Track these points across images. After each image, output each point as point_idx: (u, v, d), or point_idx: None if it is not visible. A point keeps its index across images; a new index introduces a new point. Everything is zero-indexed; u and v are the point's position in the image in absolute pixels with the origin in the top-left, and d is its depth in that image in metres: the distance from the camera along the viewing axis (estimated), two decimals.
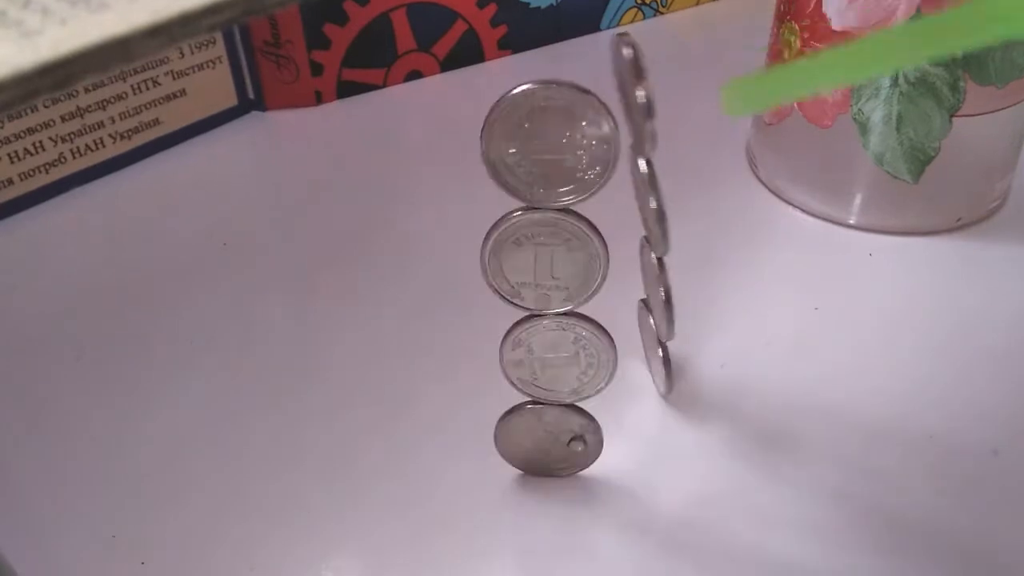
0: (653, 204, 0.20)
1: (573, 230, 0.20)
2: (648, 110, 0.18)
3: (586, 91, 0.18)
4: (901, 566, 0.22)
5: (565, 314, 0.21)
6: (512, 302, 0.21)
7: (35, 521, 0.23)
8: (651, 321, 0.25)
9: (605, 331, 0.21)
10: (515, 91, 0.18)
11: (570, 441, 0.23)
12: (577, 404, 0.23)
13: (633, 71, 0.18)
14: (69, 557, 0.23)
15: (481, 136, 0.19)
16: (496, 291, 0.21)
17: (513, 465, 0.24)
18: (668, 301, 0.22)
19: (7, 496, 0.24)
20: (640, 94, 0.18)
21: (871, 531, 0.23)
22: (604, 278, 0.20)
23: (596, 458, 0.24)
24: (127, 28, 0.09)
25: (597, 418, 0.23)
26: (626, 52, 0.18)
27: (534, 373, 0.22)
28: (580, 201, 0.19)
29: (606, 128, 0.18)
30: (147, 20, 0.09)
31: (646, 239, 0.23)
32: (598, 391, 0.22)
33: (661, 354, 0.24)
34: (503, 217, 0.20)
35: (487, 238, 0.20)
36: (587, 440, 0.23)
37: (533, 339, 0.21)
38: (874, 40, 0.14)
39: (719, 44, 0.41)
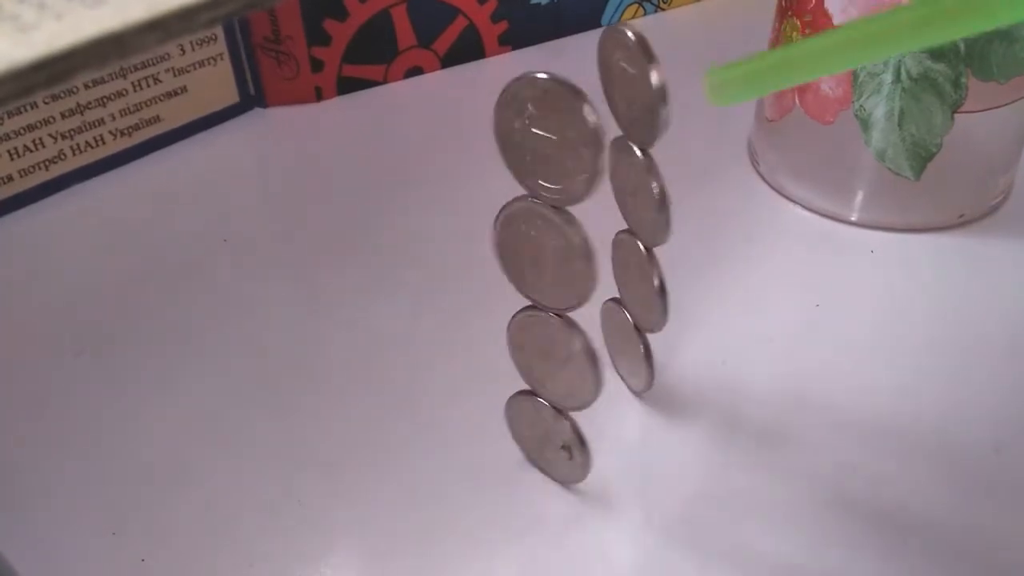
0: (656, 190, 0.20)
1: (566, 233, 0.19)
2: (662, 95, 0.18)
3: (579, 93, 0.17)
4: (902, 564, 0.22)
5: (559, 315, 0.20)
6: (519, 290, 0.20)
7: (35, 518, 0.23)
8: (627, 317, 0.24)
9: (592, 352, 0.20)
10: (527, 75, 0.18)
11: (562, 446, 0.23)
12: (570, 413, 0.22)
13: (645, 55, 0.18)
14: (69, 554, 0.23)
15: (494, 109, 0.18)
16: (504, 272, 0.20)
17: (518, 445, 0.24)
18: (663, 290, 0.22)
19: (7, 493, 0.24)
20: (655, 77, 0.18)
21: (873, 529, 0.23)
22: (587, 295, 0.19)
23: (582, 479, 0.23)
24: (124, 23, 0.09)
25: (599, 415, 0.22)
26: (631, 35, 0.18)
27: (531, 363, 0.22)
28: (570, 203, 0.19)
29: (593, 133, 0.17)
30: (144, 15, 0.09)
31: (629, 232, 0.23)
32: (583, 406, 0.21)
33: (643, 349, 0.24)
34: (513, 199, 0.19)
35: (497, 216, 0.20)
36: (573, 454, 0.22)
37: (532, 330, 0.21)
38: (860, 27, 0.14)
39: (720, 40, 0.41)
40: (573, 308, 0.20)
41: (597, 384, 0.21)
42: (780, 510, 0.23)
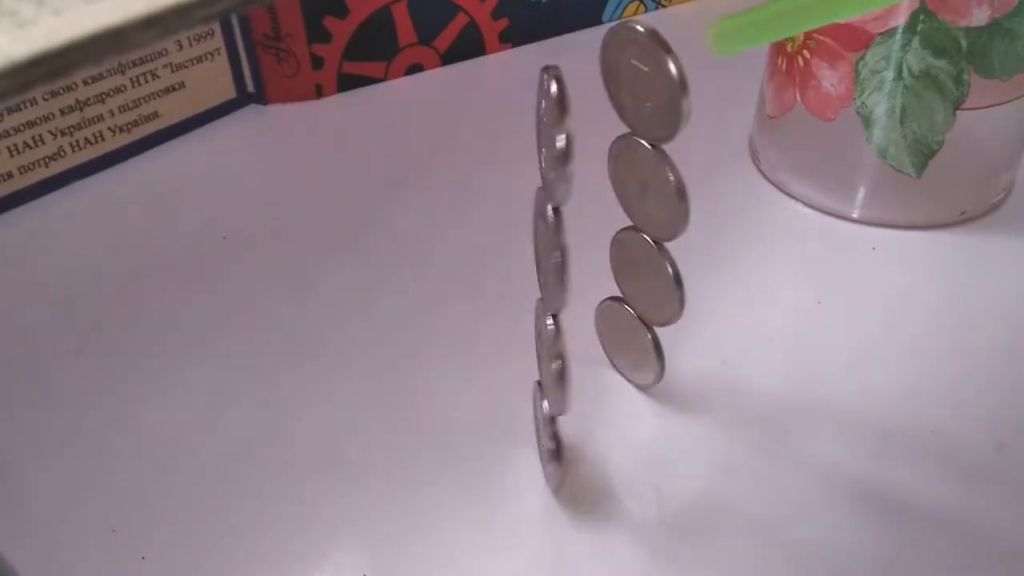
0: (673, 181, 0.20)
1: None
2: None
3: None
4: (906, 561, 0.22)
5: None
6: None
7: (35, 516, 0.23)
8: (630, 313, 0.24)
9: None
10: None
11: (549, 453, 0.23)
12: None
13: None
14: (69, 552, 0.22)
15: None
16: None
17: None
18: (678, 281, 0.23)
19: (7, 491, 0.24)
20: (674, 68, 0.18)
21: (875, 526, 0.23)
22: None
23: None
24: (122, 18, 0.09)
25: (598, 414, 0.23)
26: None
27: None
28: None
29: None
30: (143, 10, 0.09)
31: (633, 229, 0.23)
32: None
33: (652, 341, 0.24)
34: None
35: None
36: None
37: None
38: None
39: None
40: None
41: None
42: (781, 508, 0.23)
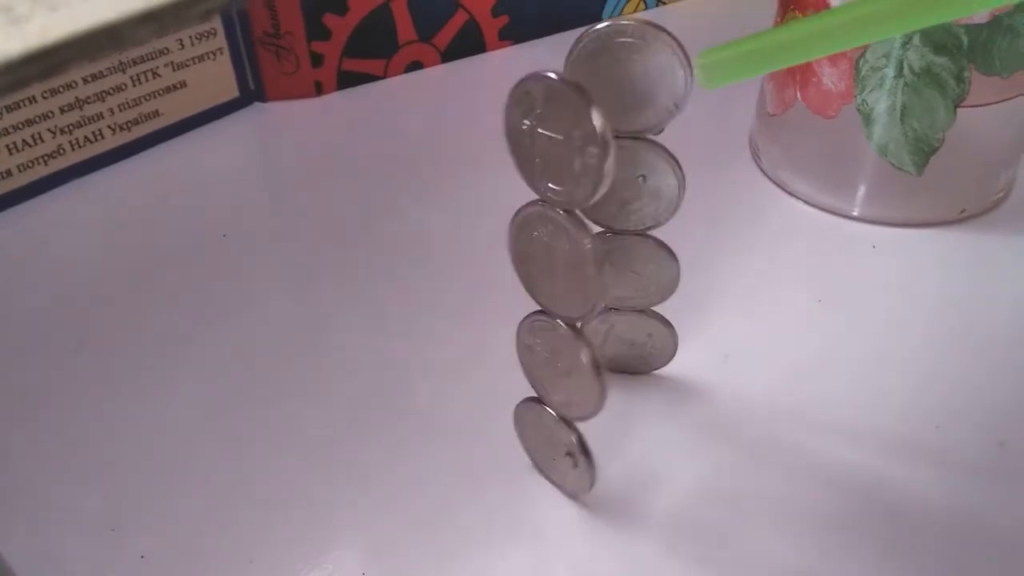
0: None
1: (574, 237, 0.18)
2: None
3: (585, 94, 0.17)
4: (906, 559, 0.22)
5: (568, 325, 0.20)
6: (531, 295, 0.20)
7: (34, 514, 0.23)
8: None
9: (599, 364, 0.20)
10: (536, 74, 0.17)
11: (567, 454, 0.22)
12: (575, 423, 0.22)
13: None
14: (68, 550, 0.22)
15: (505, 108, 0.18)
16: (519, 276, 0.20)
17: (528, 454, 0.23)
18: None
19: (6, 488, 0.24)
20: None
21: (877, 523, 0.23)
22: (599, 304, 0.19)
23: (587, 490, 0.22)
24: (118, 14, 0.09)
25: (595, 419, 0.22)
26: None
27: (538, 368, 0.21)
28: (574, 206, 0.18)
29: (599, 136, 0.17)
30: (139, 6, 0.09)
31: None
32: (585, 417, 0.21)
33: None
34: (527, 203, 0.19)
35: (512, 220, 0.19)
36: (578, 462, 0.22)
37: (541, 336, 0.20)
38: (850, 10, 0.14)
39: (722, 33, 0.41)
40: (583, 318, 0.20)
41: (601, 397, 0.20)
42: (783, 506, 0.23)
